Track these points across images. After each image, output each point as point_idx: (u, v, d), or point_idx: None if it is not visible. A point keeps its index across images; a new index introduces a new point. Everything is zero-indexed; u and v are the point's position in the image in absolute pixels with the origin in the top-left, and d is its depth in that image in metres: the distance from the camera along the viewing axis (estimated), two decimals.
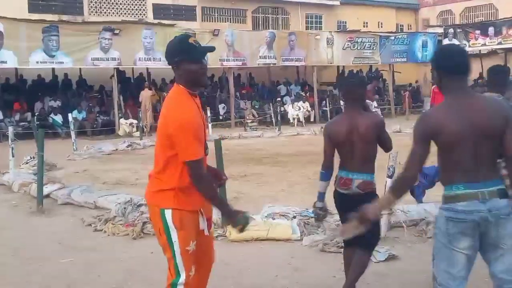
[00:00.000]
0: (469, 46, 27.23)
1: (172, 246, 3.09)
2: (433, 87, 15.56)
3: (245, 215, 3.08)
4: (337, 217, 6.40)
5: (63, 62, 19.15)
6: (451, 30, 27.96)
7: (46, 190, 8.05)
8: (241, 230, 3.10)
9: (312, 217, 6.27)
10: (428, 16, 34.99)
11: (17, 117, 18.88)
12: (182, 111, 2.98)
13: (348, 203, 3.81)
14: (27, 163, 11.07)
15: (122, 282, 4.77)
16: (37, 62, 18.53)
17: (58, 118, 19.09)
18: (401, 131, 16.39)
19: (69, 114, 16.40)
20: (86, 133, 19.05)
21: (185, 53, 3.02)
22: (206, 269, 3.44)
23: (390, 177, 5.59)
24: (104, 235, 6.28)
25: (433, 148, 2.90)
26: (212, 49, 3.17)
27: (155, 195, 3.15)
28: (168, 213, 3.08)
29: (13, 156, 9.78)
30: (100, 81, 22.10)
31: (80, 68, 21.73)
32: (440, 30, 28.47)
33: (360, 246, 3.95)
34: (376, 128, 4.06)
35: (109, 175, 10.61)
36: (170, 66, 3.13)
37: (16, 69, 20.75)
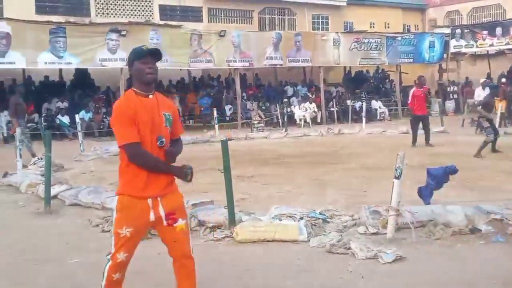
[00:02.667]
0: (477, 47, 27.16)
1: (112, 225, 3.61)
2: (412, 90, 14.70)
3: (189, 167, 3.52)
4: (344, 218, 6.41)
5: (71, 63, 19.24)
6: (458, 31, 27.85)
7: (54, 191, 8.08)
8: (189, 180, 3.51)
9: (319, 218, 6.27)
10: (435, 16, 34.87)
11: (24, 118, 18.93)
12: (116, 104, 3.51)
13: None
14: (34, 164, 11.12)
15: (129, 283, 4.74)
16: (46, 63, 18.65)
17: (65, 119, 19.15)
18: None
19: (76, 115, 16.45)
20: (93, 134, 19.11)
21: (135, 54, 3.52)
22: (181, 261, 3.59)
23: (397, 178, 5.56)
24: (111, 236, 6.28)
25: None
26: (156, 51, 3.55)
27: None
28: (115, 198, 3.58)
29: (20, 157, 9.82)
30: (107, 82, 22.19)
31: (87, 69, 21.82)
32: (448, 31, 28.35)
33: None
34: None
35: (116, 176, 10.58)
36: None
37: (23, 70, 20.85)
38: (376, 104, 25.02)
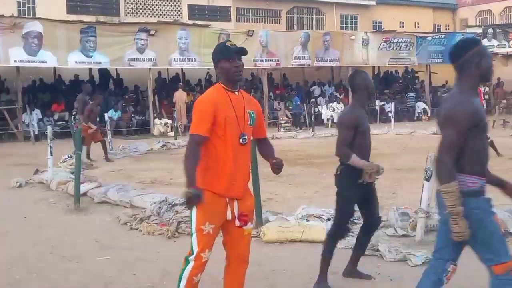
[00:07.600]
0: (509, 47, 26.67)
1: (191, 222, 3.45)
2: None
3: (195, 192, 3.22)
4: None
5: (100, 62, 19.49)
6: (490, 30, 27.37)
7: (83, 188, 8.19)
8: (187, 202, 3.27)
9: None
10: (466, 16, 34.32)
11: (55, 116, 19.26)
12: (202, 95, 3.54)
13: None
14: (64, 161, 11.28)
15: (157, 282, 4.80)
16: (76, 62, 18.90)
17: None
18: None
19: (105, 114, 16.62)
20: (121, 132, 19.29)
21: (221, 52, 3.52)
22: (236, 265, 3.59)
23: (427, 179, 5.48)
24: (139, 234, 6.34)
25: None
26: (242, 49, 3.57)
27: None
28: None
29: (51, 155, 9.96)
30: (136, 81, 22.40)
31: (116, 68, 22.05)
32: (479, 30, 27.86)
33: None
34: None
35: (144, 175, 10.72)
36: (213, 68, 3.60)
37: (54, 69, 21.18)
38: (421, 105, 24.81)
